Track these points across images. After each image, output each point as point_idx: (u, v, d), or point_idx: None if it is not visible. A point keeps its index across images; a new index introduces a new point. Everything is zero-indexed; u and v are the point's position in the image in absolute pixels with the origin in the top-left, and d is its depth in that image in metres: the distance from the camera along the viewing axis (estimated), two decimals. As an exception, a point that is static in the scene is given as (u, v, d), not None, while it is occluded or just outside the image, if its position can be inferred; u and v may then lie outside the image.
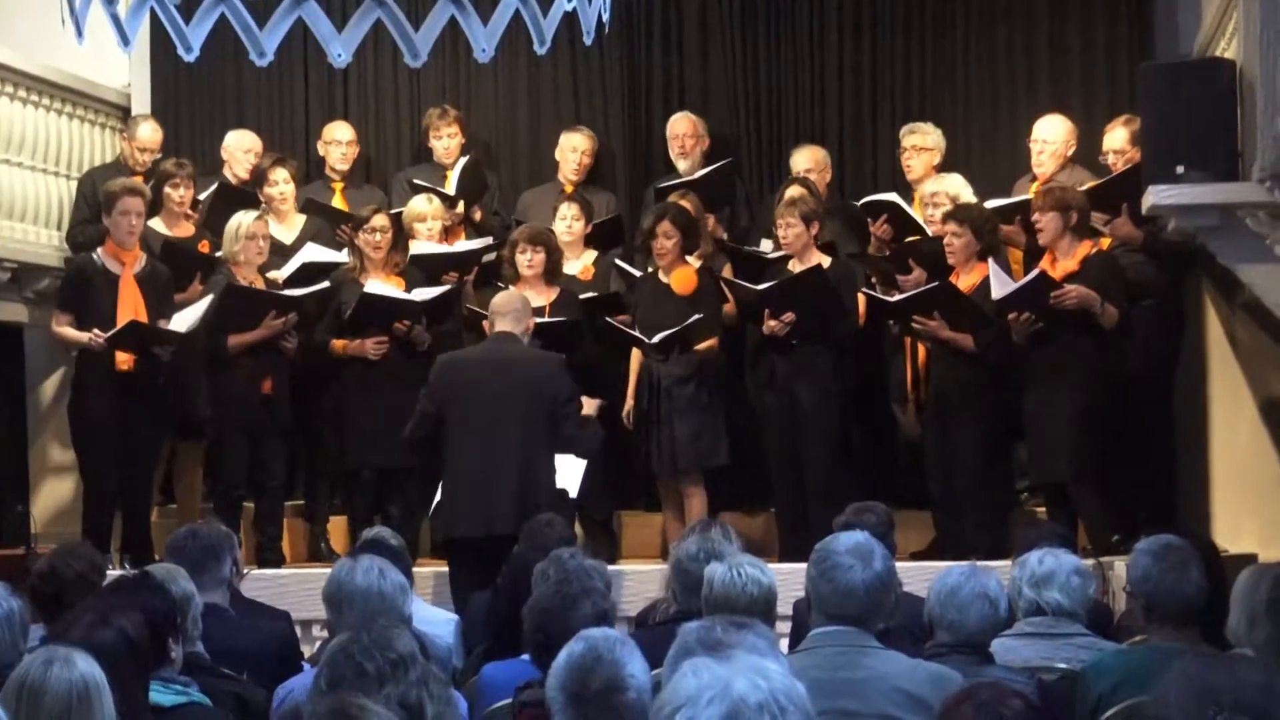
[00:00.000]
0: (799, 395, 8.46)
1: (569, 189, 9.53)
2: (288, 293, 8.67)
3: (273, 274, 8.88)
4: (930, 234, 8.78)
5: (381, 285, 8.65)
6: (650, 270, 8.84)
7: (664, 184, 9.35)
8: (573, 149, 9.64)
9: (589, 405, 7.93)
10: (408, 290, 8.71)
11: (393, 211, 9.16)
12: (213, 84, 10.25)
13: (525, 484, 7.31)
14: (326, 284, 8.74)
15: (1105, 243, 8.44)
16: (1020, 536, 6.38)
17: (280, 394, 8.63)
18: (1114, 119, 8.94)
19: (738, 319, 8.74)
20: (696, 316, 8.43)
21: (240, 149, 9.60)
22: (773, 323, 8.41)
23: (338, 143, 9.73)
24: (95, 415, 8.38)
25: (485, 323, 7.97)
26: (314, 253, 9.06)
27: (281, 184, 9.32)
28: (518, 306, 7.62)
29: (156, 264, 8.58)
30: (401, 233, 8.97)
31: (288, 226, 9.35)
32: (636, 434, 8.63)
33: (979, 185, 8.99)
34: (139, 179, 9.00)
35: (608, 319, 8.63)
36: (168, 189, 9.03)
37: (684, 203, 8.90)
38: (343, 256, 8.99)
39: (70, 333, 8.40)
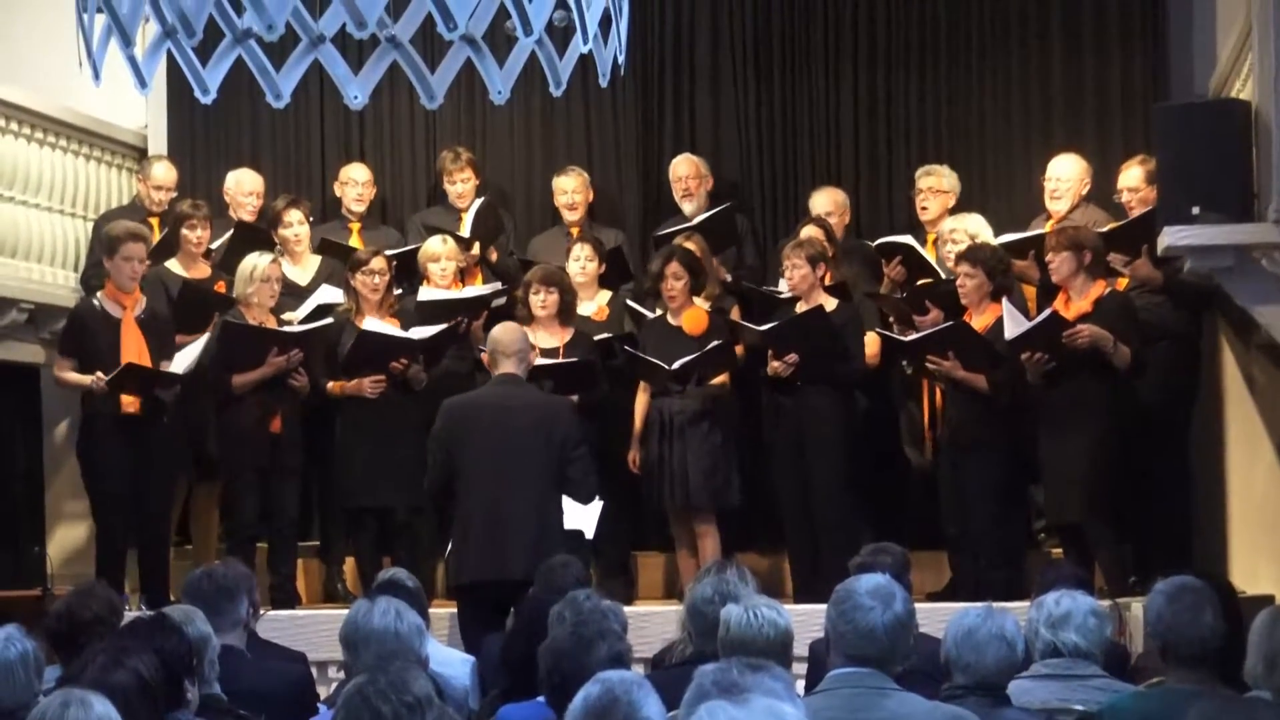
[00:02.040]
0: (806, 436, 8.46)
1: (576, 231, 9.54)
2: (288, 329, 8.66)
3: (287, 315, 8.89)
4: (945, 273, 8.78)
5: (379, 323, 8.66)
6: (659, 313, 8.86)
7: (663, 231, 9.36)
8: (561, 191, 9.67)
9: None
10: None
11: (405, 249, 9.16)
12: (229, 125, 10.28)
13: (537, 528, 7.31)
14: (329, 320, 8.73)
15: (1121, 283, 8.45)
16: (1037, 577, 6.37)
17: (290, 432, 8.63)
18: (1128, 159, 8.96)
19: (746, 359, 8.74)
20: (717, 343, 8.45)
21: (241, 191, 9.61)
22: (776, 364, 8.43)
23: (354, 183, 9.76)
24: (103, 457, 8.41)
25: (484, 356, 7.93)
26: (329, 294, 9.06)
27: (296, 225, 9.33)
28: (521, 345, 7.60)
29: (156, 307, 8.61)
30: (403, 274, 8.97)
31: (303, 267, 9.37)
32: (649, 473, 8.62)
33: (994, 222, 8.98)
34: (153, 220, 9.02)
35: (627, 348, 8.65)
36: (185, 230, 9.06)
37: (690, 244, 8.92)
38: (354, 298, 9.00)
39: (72, 376, 8.44)
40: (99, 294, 8.56)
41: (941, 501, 8.42)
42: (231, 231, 9.37)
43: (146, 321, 8.48)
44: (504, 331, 7.67)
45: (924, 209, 9.31)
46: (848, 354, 8.46)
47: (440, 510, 8.09)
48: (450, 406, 7.59)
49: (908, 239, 9.05)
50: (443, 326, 8.71)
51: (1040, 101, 10.00)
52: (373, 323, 8.63)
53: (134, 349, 8.37)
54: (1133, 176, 8.74)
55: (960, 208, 9.24)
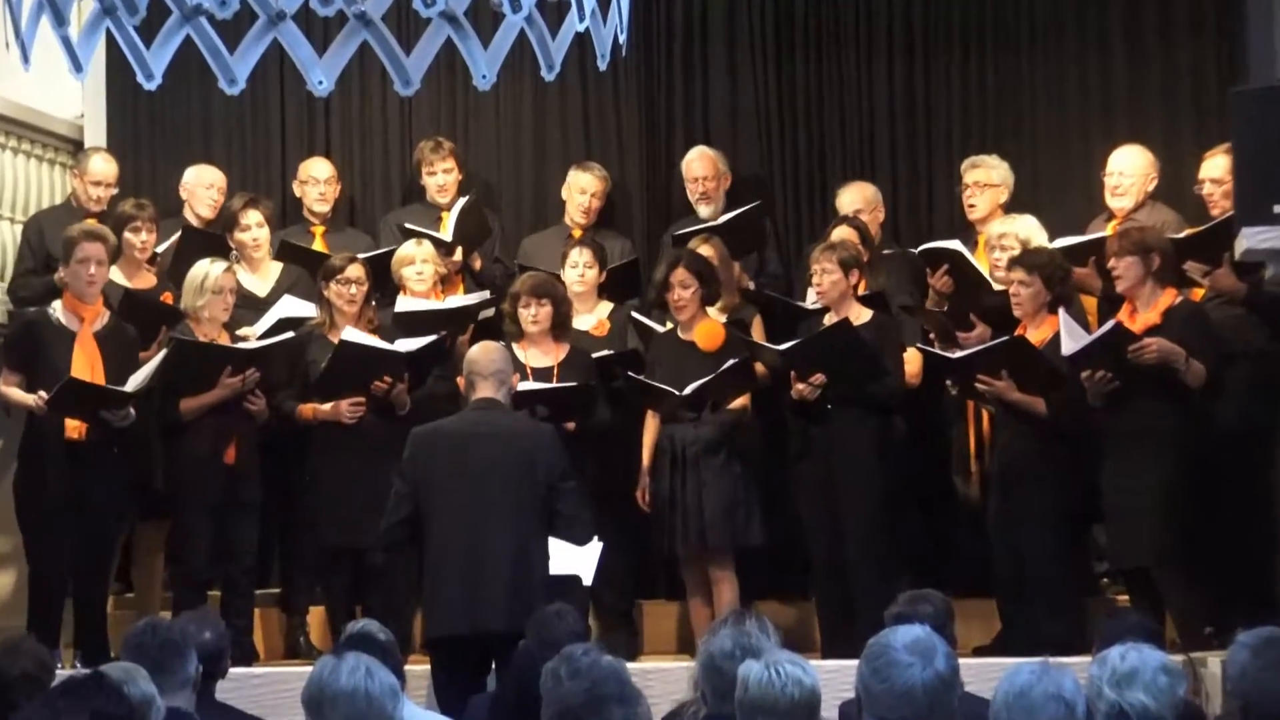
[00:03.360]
0: (838, 467, 8.46)
1: (577, 233, 9.57)
2: (243, 345, 8.66)
3: (244, 331, 8.88)
4: (996, 284, 8.78)
5: (361, 334, 8.64)
6: (669, 327, 8.87)
7: (682, 231, 9.38)
8: (581, 190, 9.69)
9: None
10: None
11: (375, 254, 9.18)
12: (176, 116, 10.30)
13: (517, 574, 7.25)
14: (291, 334, 8.73)
15: (1197, 293, 8.43)
16: (1099, 629, 6.34)
17: (247, 464, 8.62)
18: (1200, 150, 8.96)
19: (769, 379, 8.74)
20: (735, 361, 8.44)
21: (201, 185, 9.63)
22: (800, 386, 8.43)
23: (315, 181, 9.78)
24: (43, 491, 8.37)
25: (460, 379, 7.89)
26: (291, 306, 9.06)
27: (254, 228, 9.33)
28: (500, 366, 7.53)
29: (122, 322, 8.58)
30: (381, 284, 8.99)
31: (261, 276, 9.38)
32: (658, 510, 8.63)
33: (1048, 226, 8.96)
34: (90, 221, 9.00)
35: (629, 374, 8.64)
36: (127, 234, 9.04)
37: (705, 248, 8.92)
38: (320, 310, 8.99)
39: (15, 394, 8.40)
40: (55, 304, 8.53)
41: (992, 542, 8.40)
42: (179, 234, 9.36)
43: (107, 336, 8.45)
44: (481, 351, 7.62)
45: (971, 206, 9.31)
46: (883, 372, 8.45)
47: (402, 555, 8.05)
48: (418, 436, 7.53)
49: (955, 244, 9.04)
50: (432, 338, 8.72)
51: (1100, 87, 10.02)
52: (353, 332, 8.61)
53: (86, 367, 8.33)
54: (1217, 166, 8.68)
55: (1012, 206, 9.25)
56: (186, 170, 9.76)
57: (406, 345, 8.64)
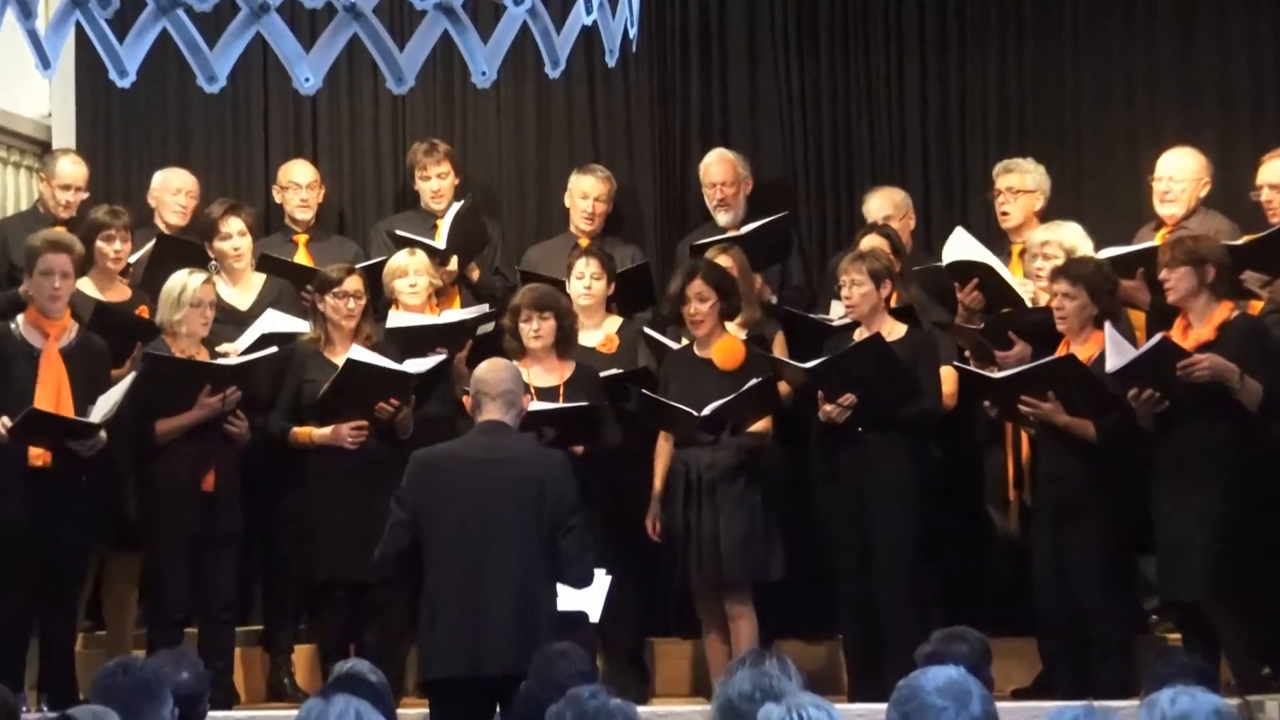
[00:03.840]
0: (870, 495, 8.44)
1: (584, 242, 9.56)
2: (223, 362, 8.64)
3: (224, 347, 8.87)
4: (1030, 298, 8.76)
5: (368, 352, 8.62)
6: (684, 343, 8.87)
7: (701, 241, 9.37)
8: (582, 194, 9.70)
9: None
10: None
11: (366, 265, 9.19)
12: (151, 116, 10.35)
13: (521, 612, 7.21)
14: (274, 349, 8.71)
15: (1255, 306, 8.41)
16: (1148, 670, 6.32)
17: (227, 491, 8.60)
18: (1262, 152, 8.93)
19: (793, 400, 8.73)
20: (756, 380, 8.43)
21: (169, 190, 9.63)
22: (829, 407, 8.42)
23: (296, 186, 9.79)
24: (4, 523, 8.33)
25: (466, 399, 7.89)
26: (275, 321, 9.05)
27: (235, 236, 9.33)
28: (509, 386, 7.47)
29: (91, 336, 8.57)
30: (380, 297, 9.00)
31: (243, 289, 9.38)
32: (671, 541, 8.62)
33: (1091, 235, 8.91)
34: (59, 229, 8.99)
35: (644, 391, 8.63)
36: (100, 242, 9.04)
37: (723, 258, 8.92)
38: (308, 326, 8.97)
39: (-28, 418, 8.40)
40: (18, 319, 8.51)
41: (1033, 576, 8.37)
42: (154, 243, 9.36)
43: (74, 353, 8.42)
44: (489, 369, 7.56)
45: (1004, 214, 9.31)
46: (918, 392, 8.44)
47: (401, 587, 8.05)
48: (419, 460, 7.49)
49: (986, 257, 9.01)
50: (441, 358, 8.73)
51: (1148, 83, 10.02)
52: (360, 351, 8.61)
53: (52, 388, 8.31)
54: (1276, 170, 8.71)
55: (1050, 214, 9.23)
56: (155, 174, 9.76)
57: (415, 365, 8.65)
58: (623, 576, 8.15)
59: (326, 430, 8.63)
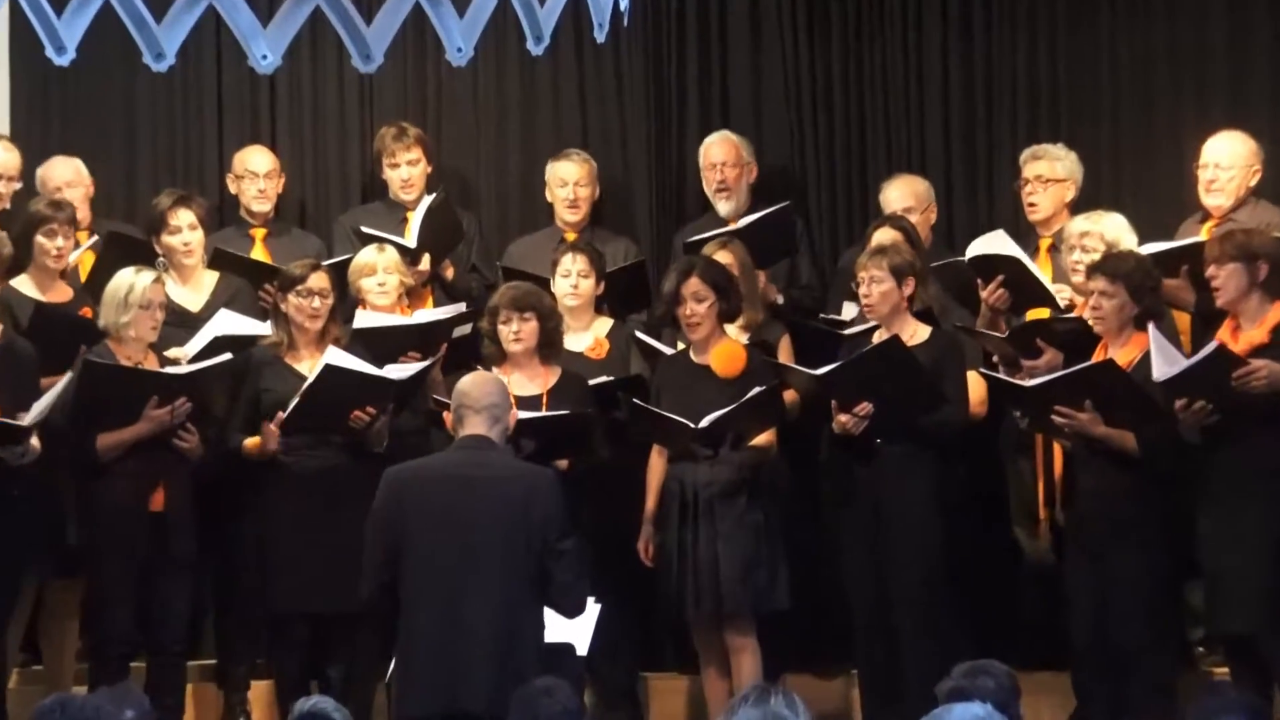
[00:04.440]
0: (887, 514, 8.45)
1: (570, 235, 9.58)
2: (171, 370, 8.61)
3: (174, 352, 8.85)
4: (1065, 299, 8.77)
5: (345, 356, 8.57)
6: (680, 348, 8.87)
7: (695, 238, 9.38)
8: (561, 182, 9.73)
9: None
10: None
11: (332, 261, 9.19)
12: (92, 97, 10.33)
13: (504, 645, 7.22)
14: (228, 356, 8.68)
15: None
16: (1194, 706, 6.32)
17: (177, 512, 8.57)
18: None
19: (801, 410, 8.73)
20: (760, 389, 8.41)
21: (52, 184, 9.54)
22: (843, 417, 8.42)
23: (252, 176, 9.80)
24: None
25: (447, 415, 7.86)
26: (229, 323, 9.03)
27: (186, 230, 9.30)
28: (495, 400, 7.50)
29: (16, 340, 8.55)
30: (344, 299, 8.99)
31: (193, 288, 9.37)
32: (665, 567, 8.61)
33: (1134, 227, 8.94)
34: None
35: (635, 401, 8.61)
36: (40, 237, 8.99)
37: (722, 254, 8.93)
38: (267, 328, 8.96)
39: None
40: None
41: (1068, 604, 8.37)
42: (99, 239, 9.33)
43: None
44: (473, 382, 7.59)
45: (1032, 205, 9.33)
46: (941, 400, 8.43)
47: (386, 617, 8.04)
48: (394, 478, 7.48)
49: (1012, 250, 8.98)
50: (426, 364, 8.72)
51: (1193, 63, 10.04)
52: (337, 354, 8.56)
53: (-28, 394, 8.32)
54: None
55: (1083, 205, 9.22)
56: (42, 166, 9.64)
57: (397, 371, 8.64)
58: (613, 606, 8.10)
59: (258, 442, 8.59)
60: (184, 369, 8.64)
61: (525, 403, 8.52)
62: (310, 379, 8.48)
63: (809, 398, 8.62)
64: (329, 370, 8.44)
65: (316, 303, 8.72)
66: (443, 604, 7.28)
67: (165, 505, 8.56)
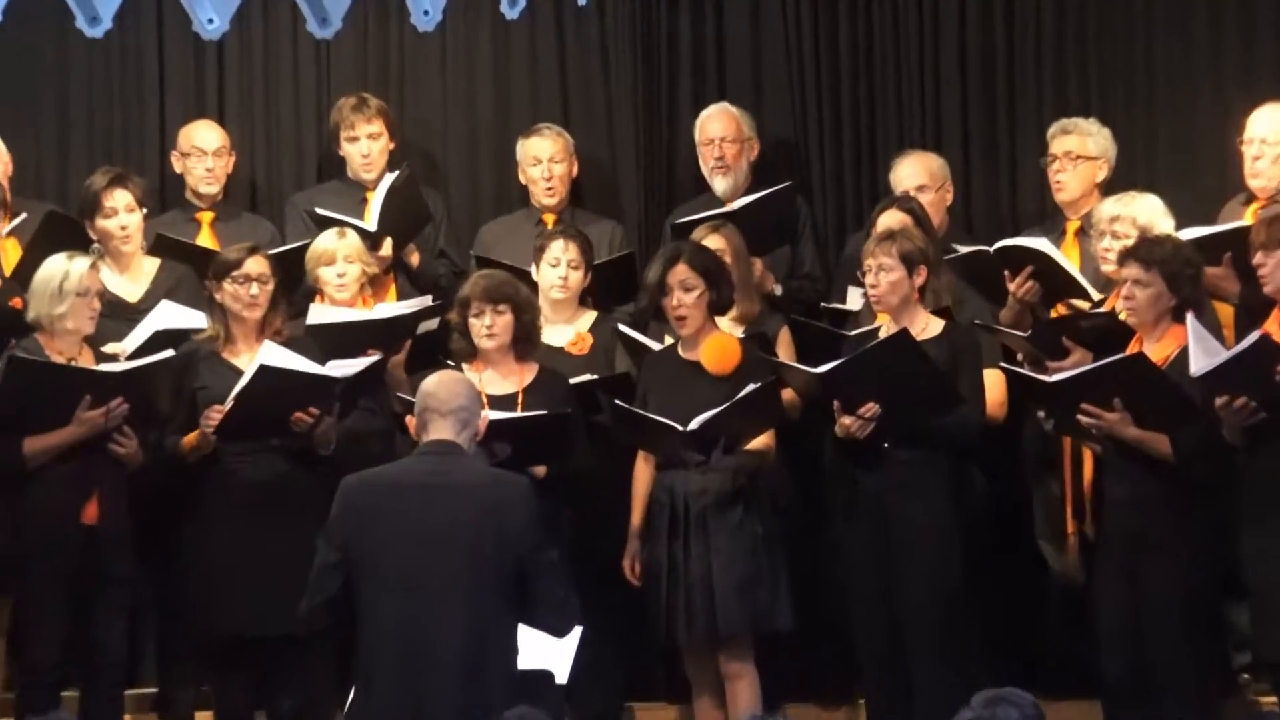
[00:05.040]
0: (897, 526, 8.44)
1: (549, 219, 9.61)
2: (105, 367, 8.58)
3: (112, 347, 8.86)
4: (1095, 284, 8.77)
5: (282, 351, 8.55)
6: (667, 342, 8.86)
7: (685, 219, 9.39)
8: (534, 160, 9.79)
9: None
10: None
11: (285, 249, 9.21)
12: (20, 64, 10.32)
13: (472, 671, 7.19)
14: (170, 353, 8.66)
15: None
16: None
17: (113, 525, 8.55)
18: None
19: (803, 410, 8.74)
20: (755, 386, 8.38)
21: None
22: (846, 419, 8.40)
23: (200, 153, 9.83)
24: None
25: (409, 419, 7.83)
26: (171, 315, 9.04)
27: (123, 212, 9.32)
28: (463, 401, 7.45)
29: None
30: (288, 286, 8.95)
31: (132, 276, 9.39)
32: (653, 586, 8.60)
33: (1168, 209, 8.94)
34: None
35: (618, 402, 8.59)
36: (-39, 222, 9.07)
37: (713, 239, 8.94)
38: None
39: None
40: None
41: (1098, 626, 8.35)
42: (21, 217, 9.30)
43: None
44: (438, 383, 7.52)
45: (1059, 185, 9.38)
46: (956, 400, 8.41)
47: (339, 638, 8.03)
48: (350, 488, 7.44)
49: (1041, 243, 9.01)
50: (373, 359, 8.70)
51: (1237, 29, 10.06)
52: (273, 350, 8.53)
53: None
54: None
55: (1115, 186, 9.23)
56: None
57: (341, 368, 8.61)
58: (595, 629, 8.05)
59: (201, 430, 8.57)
60: (120, 366, 8.62)
61: (498, 402, 8.52)
62: (243, 382, 8.48)
63: (810, 398, 8.61)
64: (264, 372, 8.43)
65: (254, 290, 8.70)
66: (405, 627, 7.23)
67: (99, 517, 8.53)
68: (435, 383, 7.51)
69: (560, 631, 7.44)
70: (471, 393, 7.51)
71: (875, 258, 8.55)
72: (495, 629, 7.28)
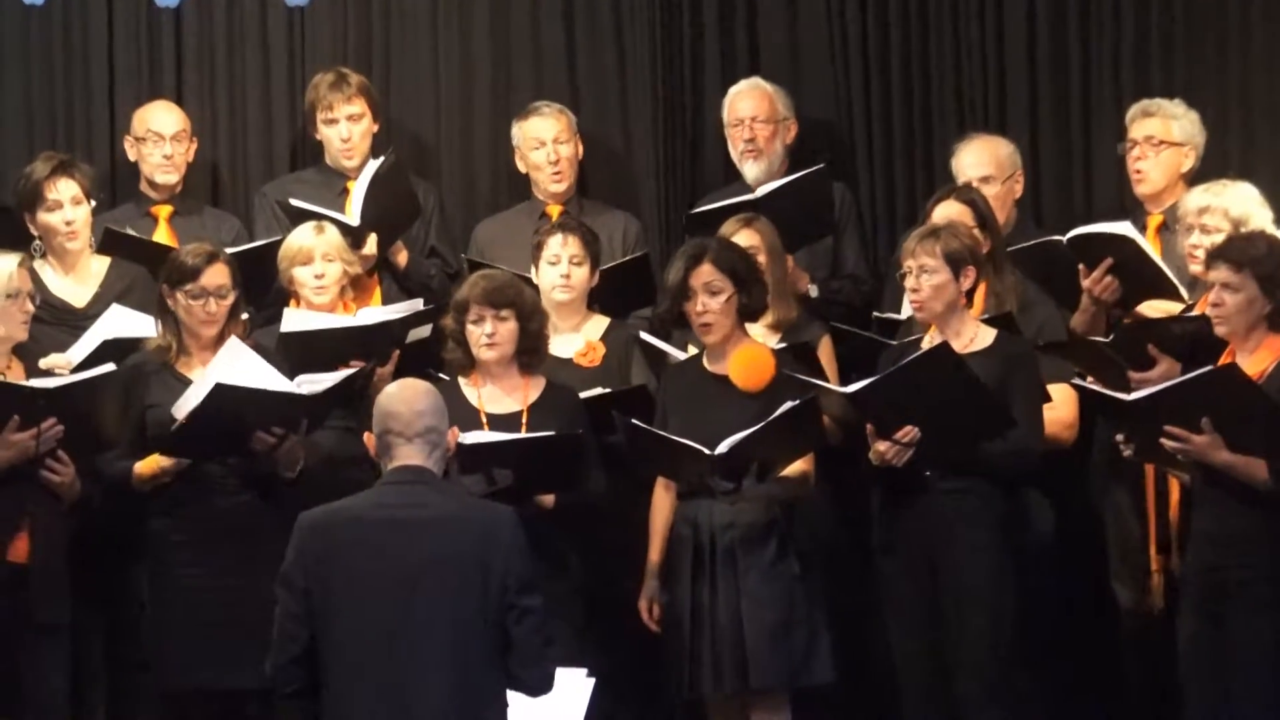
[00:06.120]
0: (941, 563, 8.47)
1: (553, 211, 9.67)
2: (38, 383, 8.53)
3: (52, 359, 8.90)
4: (1186, 287, 8.80)
5: (244, 358, 8.49)
6: (691, 353, 8.89)
7: (702, 209, 9.43)
8: (536, 143, 9.84)
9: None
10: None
11: (249, 248, 9.26)
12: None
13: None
14: (110, 368, 8.61)
15: None
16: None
17: (45, 563, 8.55)
18: None
19: (846, 432, 8.71)
20: (790, 405, 8.35)
21: None
22: (881, 445, 8.39)
23: (157, 138, 9.89)
24: None
25: (368, 437, 7.51)
26: (123, 321, 9.07)
27: (68, 205, 9.36)
28: (429, 420, 7.22)
29: None
30: (252, 286, 8.98)
31: (78, 278, 9.44)
32: (675, 632, 8.64)
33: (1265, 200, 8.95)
34: None
35: (633, 421, 8.53)
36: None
37: (745, 233, 8.96)
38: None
39: None
40: None
41: (1182, 674, 8.31)
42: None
43: None
44: (399, 396, 7.26)
45: (1139, 174, 9.40)
46: (1008, 423, 8.38)
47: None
48: (308, 525, 7.21)
49: (1123, 227, 8.99)
50: (346, 373, 8.69)
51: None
52: (234, 360, 8.45)
53: None
54: None
55: (1203, 176, 9.23)
56: None
57: (309, 383, 8.57)
58: (609, 679, 8.07)
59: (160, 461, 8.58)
60: (54, 381, 8.54)
61: (500, 422, 8.56)
62: (195, 402, 8.39)
63: (845, 422, 8.63)
64: (219, 391, 8.34)
65: (212, 306, 8.66)
66: (378, 683, 7.07)
67: (29, 555, 8.54)
68: (395, 398, 7.29)
69: (531, 690, 7.23)
70: (437, 405, 7.28)
71: (916, 258, 8.50)
72: (481, 683, 7.11)
